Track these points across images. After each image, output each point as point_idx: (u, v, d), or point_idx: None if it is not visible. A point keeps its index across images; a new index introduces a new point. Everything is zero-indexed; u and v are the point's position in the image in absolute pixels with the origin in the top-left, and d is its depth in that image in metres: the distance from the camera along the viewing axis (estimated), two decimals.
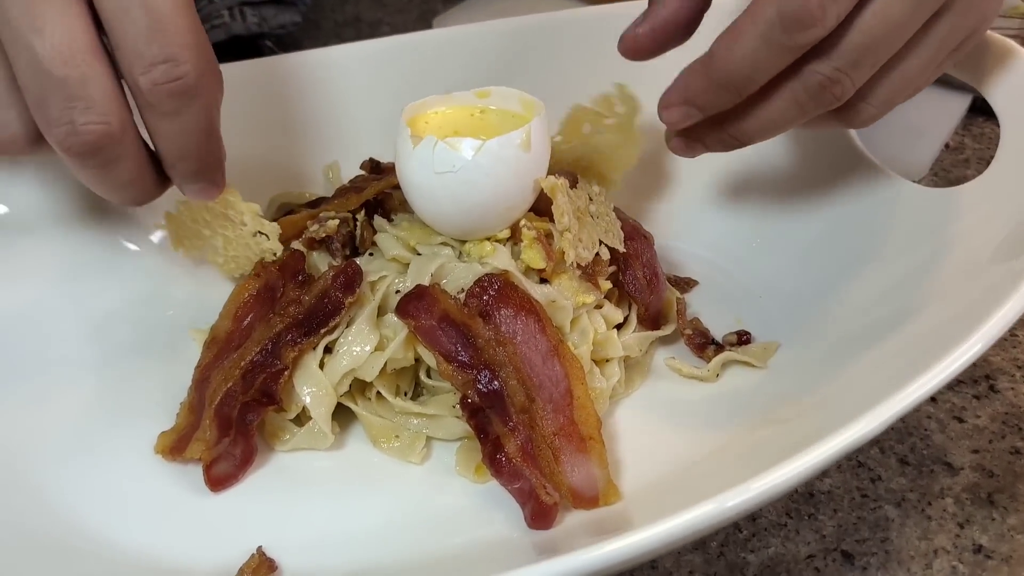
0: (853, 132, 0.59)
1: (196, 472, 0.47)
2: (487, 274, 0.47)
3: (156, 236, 0.58)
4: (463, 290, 0.47)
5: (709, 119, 0.46)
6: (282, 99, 0.60)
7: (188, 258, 0.56)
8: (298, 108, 0.60)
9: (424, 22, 0.98)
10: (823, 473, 0.50)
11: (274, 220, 0.57)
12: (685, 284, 0.59)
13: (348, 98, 0.61)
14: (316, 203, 0.57)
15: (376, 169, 0.57)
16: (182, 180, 0.44)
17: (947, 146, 0.78)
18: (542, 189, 0.48)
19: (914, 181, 0.73)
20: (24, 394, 0.50)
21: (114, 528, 0.45)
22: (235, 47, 0.87)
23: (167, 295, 0.56)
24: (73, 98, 0.38)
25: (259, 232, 0.51)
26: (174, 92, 0.39)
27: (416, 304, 0.46)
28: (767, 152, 0.61)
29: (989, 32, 0.51)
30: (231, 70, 0.58)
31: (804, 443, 0.37)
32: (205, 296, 0.56)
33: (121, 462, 0.48)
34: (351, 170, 0.61)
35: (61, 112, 0.38)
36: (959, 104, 0.79)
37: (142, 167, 0.42)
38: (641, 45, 0.47)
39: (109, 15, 0.38)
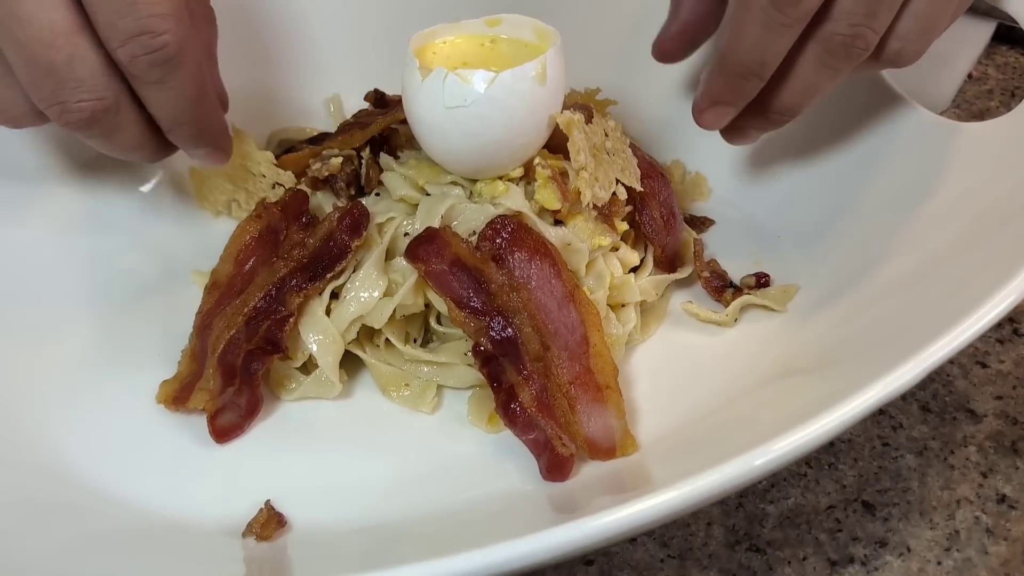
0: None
1: (200, 423, 0.45)
2: (500, 216, 0.45)
3: (155, 179, 0.55)
4: (475, 232, 0.45)
5: (748, 108, 0.47)
6: (279, 27, 0.57)
7: (211, 212, 0.55)
8: (297, 37, 0.57)
9: None
10: None
11: (276, 157, 0.55)
12: (701, 223, 0.57)
13: (350, 24, 0.58)
14: (319, 139, 0.54)
15: (381, 102, 0.55)
16: (184, 146, 0.45)
17: (970, 76, 0.75)
18: (557, 125, 0.45)
19: (937, 113, 0.72)
20: (22, 342, 0.48)
21: (117, 481, 0.44)
22: None
23: (168, 236, 0.54)
24: (62, 80, 0.38)
25: (277, 184, 0.49)
26: (154, 63, 0.39)
27: (426, 248, 0.44)
28: None
29: None
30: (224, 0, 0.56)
31: (832, 398, 0.35)
32: (207, 236, 0.54)
33: (123, 412, 0.46)
34: (355, 103, 0.58)
35: (52, 93, 0.39)
36: (982, 32, 0.75)
37: (144, 132, 0.43)
38: (673, 48, 0.50)
39: None
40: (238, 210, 0.53)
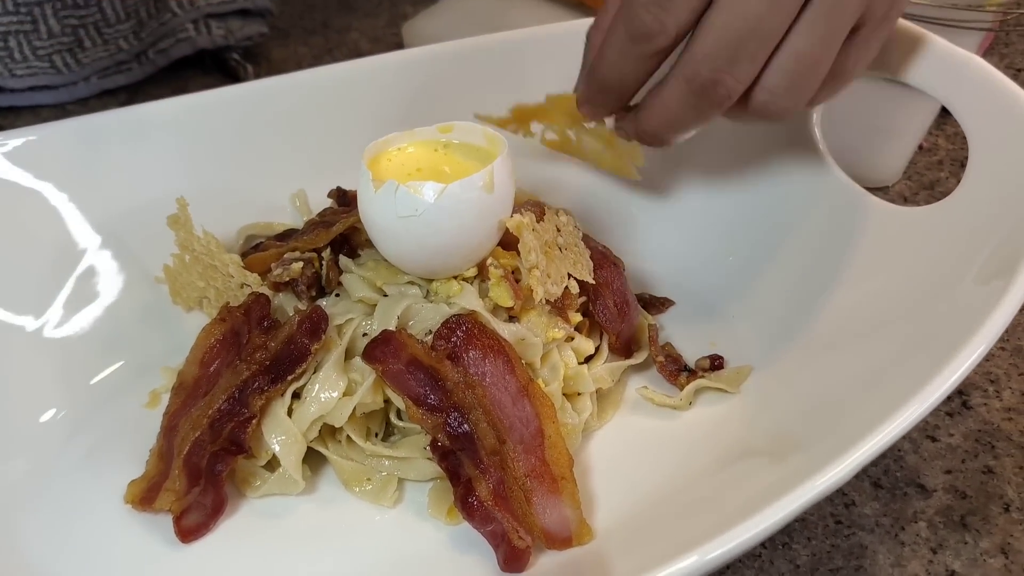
0: (820, 142, 0.58)
1: (167, 522, 0.47)
2: (455, 315, 0.47)
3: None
4: (431, 331, 0.47)
5: (627, 114, 0.49)
6: (246, 127, 0.59)
7: (185, 308, 0.56)
8: (263, 136, 0.60)
9: (394, 27, 0.96)
10: None
11: (243, 253, 0.57)
12: (661, 304, 0.59)
13: (313, 124, 0.60)
14: (285, 235, 0.56)
15: (343, 200, 0.57)
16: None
17: (920, 147, 0.77)
18: (508, 228, 0.47)
19: (888, 185, 0.74)
20: None
21: None
22: (201, 61, 0.86)
23: (140, 332, 0.55)
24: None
25: (244, 284, 0.51)
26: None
27: (383, 349, 0.46)
28: (736, 169, 0.61)
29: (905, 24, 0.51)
30: (195, 100, 0.58)
31: (783, 485, 0.37)
32: (179, 331, 0.55)
33: (91, 512, 0.48)
34: (318, 196, 0.60)
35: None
36: (931, 104, 0.78)
37: None
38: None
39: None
40: (208, 306, 0.55)
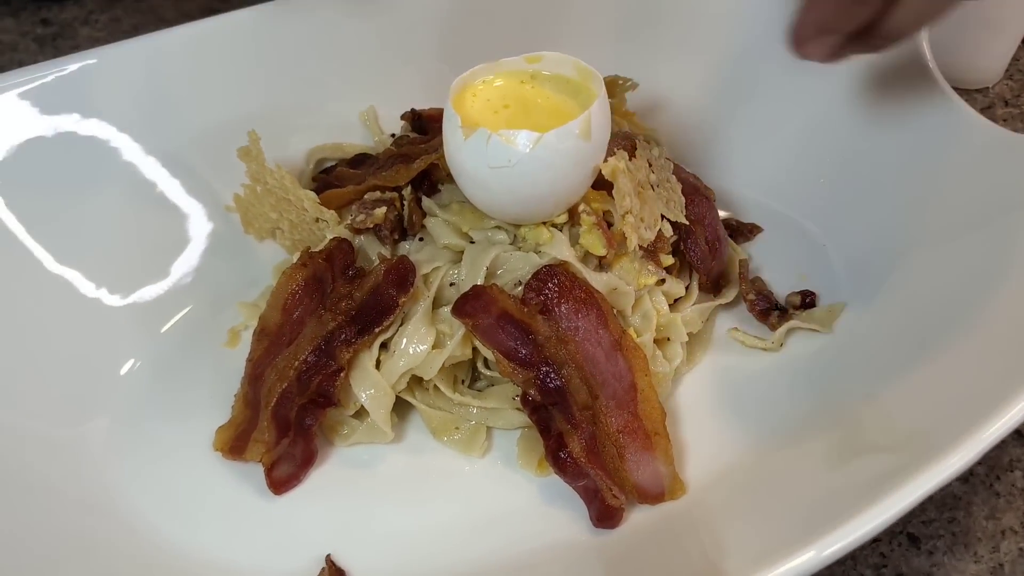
0: (930, 60, 0.54)
1: (257, 470, 0.47)
2: (546, 267, 0.45)
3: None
4: (520, 282, 0.45)
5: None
6: (313, 44, 0.56)
7: (257, 237, 0.54)
8: (331, 53, 0.56)
9: None
10: None
11: (314, 179, 0.55)
12: (748, 231, 0.57)
13: (385, 40, 0.56)
14: (358, 160, 0.54)
15: (417, 123, 0.54)
16: None
17: None
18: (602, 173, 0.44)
19: (989, 86, 0.69)
20: (81, 380, 0.49)
21: (179, 533, 0.45)
22: None
23: (214, 264, 0.54)
24: None
25: (320, 219, 0.49)
26: None
27: (474, 304, 0.44)
28: (835, 83, 0.56)
29: None
30: (255, 15, 0.55)
31: (902, 471, 0.36)
32: (252, 264, 0.54)
33: (180, 457, 0.48)
34: (389, 114, 0.57)
35: None
36: None
37: None
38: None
39: None
40: (282, 237, 0.53)
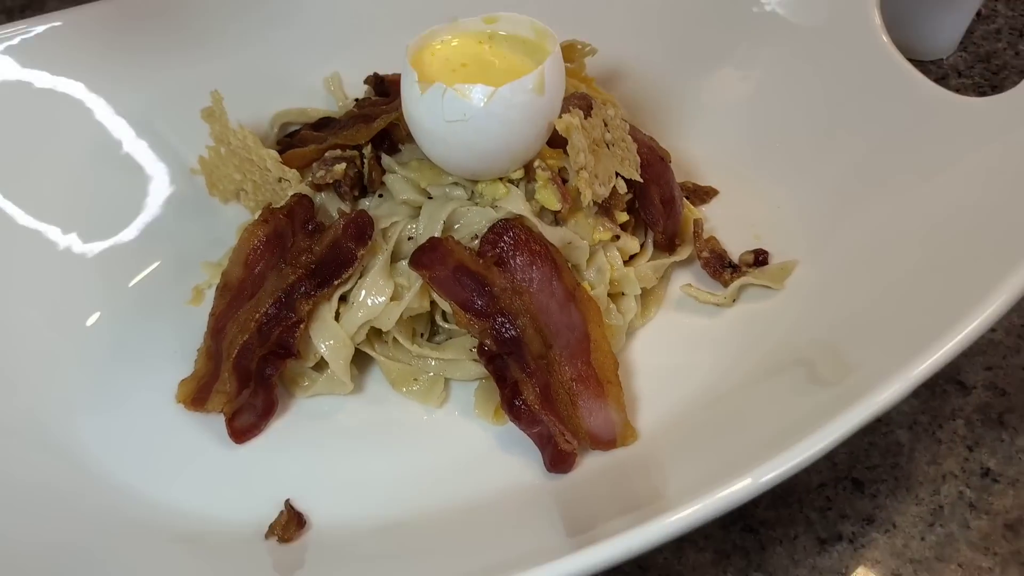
0: (881, 28, 0.56)
1: (218, 421, 0.48)
2: (502, 220, 0.46)
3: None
4: (477, 236, 0.46)
5: None
6: (278, 9, 0.57)
7: (222, 199, 0.55)
8: (295, 18, 0.57)
9: None
10: None
11: (278, 141, 0.56)
12: (705, 193, 0.58)
13: (346, 5, 0.57)
14: (322, 124, 0.55)
15: (381, 87, 0.55)
16: None
17: (979, 14, 0.73)
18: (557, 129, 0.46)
19: (943, 57, 0.71)
20: (46, 335, 0.50)
21: (142, 483, 0.46)
22: None
23: (179, 224, 0.55)
24: None
25: (283, 178, 0.50)
26: None
27: (430, 256, 0.45)
28: (789, 51, 0.58)
29: None
30: None
31: (835, 404, 0.37)
32: (217, 224, 0.55)
33: (144, 409, 0.49)
34: (353, 79, 0.58)
35: None
36: None
37: None
38: None
39: None
40: (246, 198, 0.54)
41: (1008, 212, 0.44)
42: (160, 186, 0.55)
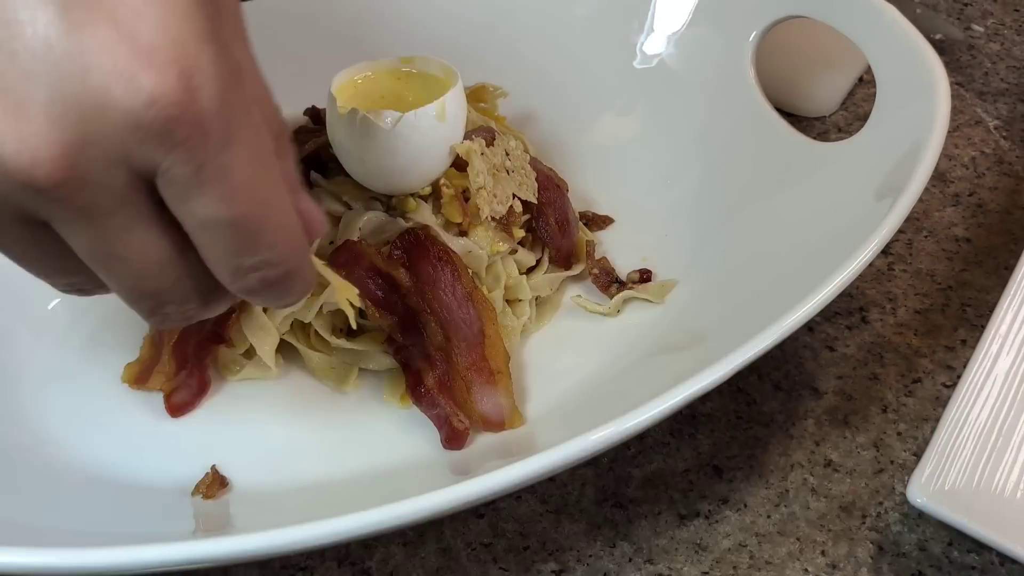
0: (754, 81, 0.65)
1: (158, 399, 0.54)
2: (410, 228, 0.53)
3: None
4: (388, 242, 0.53)
5: None
6: None
7: None
8: None
9: None
10: (706, 397, 0.58)
11: None
12: (602, 221, 0.66)
13: (289, 47, 0.65)
14: None
15: (316, 117, 0.62)
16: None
17: (861, 79, 0.83)
18: (458, 153, 0.53)
19: (826, 115, 0.80)
20: (10, 321, 0.57)
21: (84, 446, 0.53)
22: None
23: None
24: (164, 300, 0.37)
25: None
26: (273, 287, 0.36)
27: (346, 256, 0.53)
28: (678, 109, 0.67)
29: None
30: None
31: (688, 372, 0.44)
32: None
33: (92, 389, 0.55)
34: (294, 110, 0.66)
35: (153, 308, 0.37)
36: None
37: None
38: None
39: (190, 230, 0.34)
40: None
41: (835, 231, 0.53)
42: None
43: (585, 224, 0.64)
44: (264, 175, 0.34)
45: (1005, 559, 0.50)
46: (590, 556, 0.51)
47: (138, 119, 0.30)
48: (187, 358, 0.53)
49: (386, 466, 0.51)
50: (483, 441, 0.53)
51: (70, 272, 0.36)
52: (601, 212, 0.66)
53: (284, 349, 0.56)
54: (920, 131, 0.54)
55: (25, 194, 0.31)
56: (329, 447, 0.53)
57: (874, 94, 0.82)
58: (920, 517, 0.52)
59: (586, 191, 0.67)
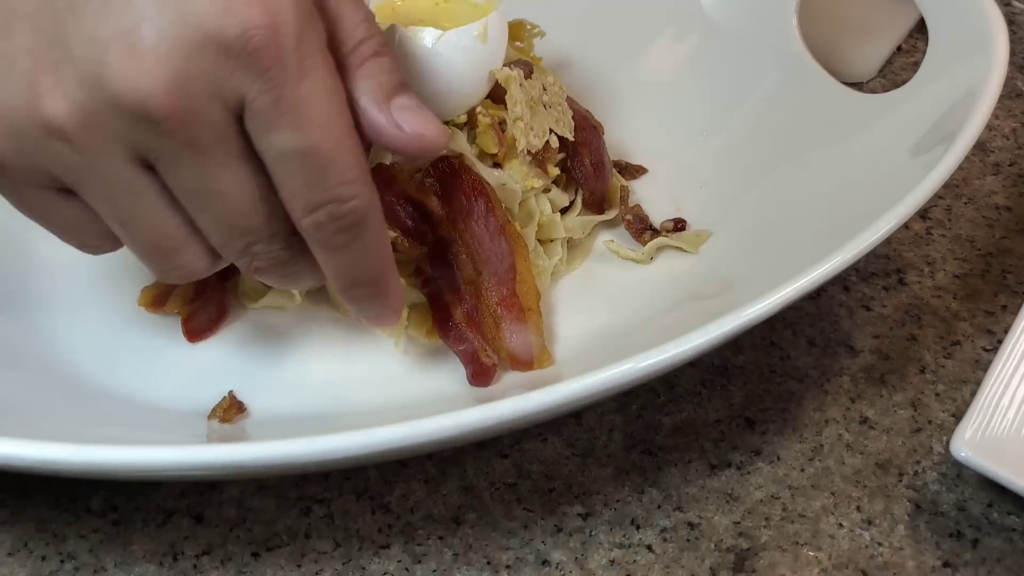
0: (798, 35, 0.63)
1: (176, 323, 0.52)
2: (444, 156, 0.51)
3: None
4: (421, 170, 0.52)
5: None
6: None
7: None
8: None
9: None
10: (738, 349, 0.56)
11: None
12: (635, 171, 0.64)
13: None
14: None
15: None
16: (355, 306, 0.44)
17: (900, 48, 0.81)
18: (497, 80, 0.52)
19: (863, 81, 0.78)
20: (30, 245, 0.56)
21: (100, 368, 0.51)
22: None
23: None
24: (254, 239, 0.40)
25: None
26: (341, 229, 0.39)
27: (377, 180, 0.50)
28: (717, 57, 0.65)
29: None
30: None
31: (717, 316, 0.43)
32: None
33: (108, 312, 0.53)
34: None
35: (243, 249, 0.40)
36: (913, 9, 0.82)
37: (318, 274, 0.43)
38: None
39: (270, 164, 0.38)
40: None
41: (872, 189, 0.51)
42: None
43: (618, 172, 0.62)
44: (337, 114, 0.38)
45: None
46: (617, 501, 0.49)
47: (231, 48, 0.34)
48: (206, 282, 0.51)
49: (409, 400, 0.49)
50: (510, 380, 0.51)
51: (97, 236, 0.41)
52: (635, 162, 0.64)
53: None
54: (973, 84, 0.52)
55: (138, 130, 0.35)
56: (350, 380, 0.51)
57: (913, 63, 0.81)
58: (959, 477, 0.50)
59: (620, 139, 0.65)
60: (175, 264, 0.41)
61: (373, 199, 0.40)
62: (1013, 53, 0.81)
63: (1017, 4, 0.87)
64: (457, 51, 0.49)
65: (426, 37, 0.49)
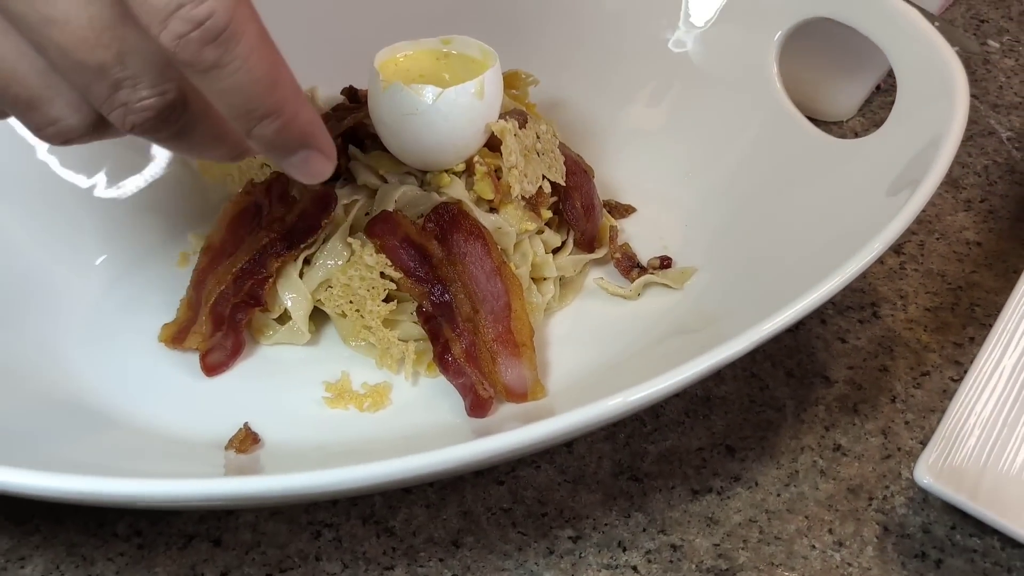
0: (777, 79, 0.67)
1: (193, 359, 0.56)
2: (443, 202, 0.55)
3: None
4: (422, 215, 0.55)
5: None
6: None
7: (212, 181, 0.64)
8: (279, 36, 0.67)
9: None
10: (721, 380, 0.60)
11: None
12: (624, 210, 0.68)
13: (327, 28, 0.68)
14: None
15: (354, 97, 0.64)
16: (270, 150, 0.39)
17: (879, 87, 0.85)
18: (493, 132, 0.56)
19: (843, 120, 0.82)
20: (54, 282, 0.60)
21: (124, 401, 0.55)
22: None
23: (172, 203, 0.64)
24: (117, 79, 0.34)
25: (264, 164, 0.59)
26: (205, 39, 0.32)
27: (382, 226, 0.54)
28: (700, 104, 0.69)
29: None
30: None
31: (702, 350, 0.46)
32: (204, 203, 0.65)
33: (131, 348, 0.57)
34: (331, 91, 0.68)
35: (111, 96, 0.34)
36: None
37: (223, 125, 0.38)
38: None
39: None
40: (232, 183, 0.63)
41: (847, 228, 0.55)
42: (162, 166, 0.65)
43: (608, 212, 0.66)
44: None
45: (1006, 543, 0.52)
46: (605, 524, 0.53)
47: None
48: (223, 319, 0.55)
49: (413, 429, 0.53)
50: (506, 411, 0.55)
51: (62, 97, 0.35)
52: (624, 201, 0.68)
53: (317, 317, 0.58)
54: (938, 130, 0.56)
55: None
56: (357, 412, 0.54)
57: (890, 102, 0.84)
58: (925, 501, 0.54)
59: (610, 180, 0.69)
60: (46, 118, 0.35)
61: (238, 4, 0.33)
62: (987, 92, 0.85)
63: (992, 43, 0.91)
64: (456, 107, 0.53)
65: (427, 94, 0.53)
